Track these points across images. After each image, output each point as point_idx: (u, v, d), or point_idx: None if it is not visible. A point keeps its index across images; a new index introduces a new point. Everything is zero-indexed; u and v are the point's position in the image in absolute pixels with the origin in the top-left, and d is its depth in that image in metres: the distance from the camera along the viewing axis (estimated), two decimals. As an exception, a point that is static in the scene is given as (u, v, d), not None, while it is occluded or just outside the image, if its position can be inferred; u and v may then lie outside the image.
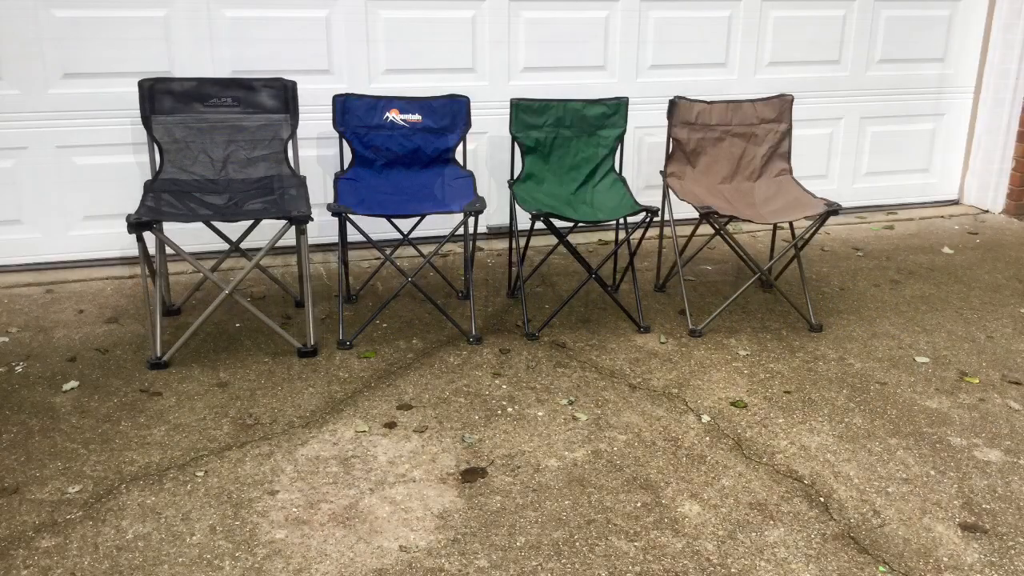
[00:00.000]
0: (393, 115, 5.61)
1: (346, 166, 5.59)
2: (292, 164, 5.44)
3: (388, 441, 4.16)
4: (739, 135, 5.85)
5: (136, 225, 4.59)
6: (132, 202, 6.00)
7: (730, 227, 7.19)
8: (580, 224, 5.37)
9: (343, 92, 5.55)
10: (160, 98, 5.27)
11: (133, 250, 6.14)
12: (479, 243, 6.86)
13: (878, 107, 7.74)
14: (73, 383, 4.65)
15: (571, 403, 4.54)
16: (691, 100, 5.76)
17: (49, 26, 5.77)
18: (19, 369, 4.81)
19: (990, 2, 7.72)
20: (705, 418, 4.41)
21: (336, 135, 5.61)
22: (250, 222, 5.48)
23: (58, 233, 6.14)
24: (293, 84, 5.43)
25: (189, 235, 6.14)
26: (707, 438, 4.23)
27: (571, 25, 6.74)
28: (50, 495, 3.74)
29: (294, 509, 3.68)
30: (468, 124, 5.67)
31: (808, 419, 4.42)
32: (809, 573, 3.40)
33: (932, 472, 4.01)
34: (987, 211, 8.04)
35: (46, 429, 4.22)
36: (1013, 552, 3.54)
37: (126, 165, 6.09)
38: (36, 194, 6.03)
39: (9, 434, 4.17)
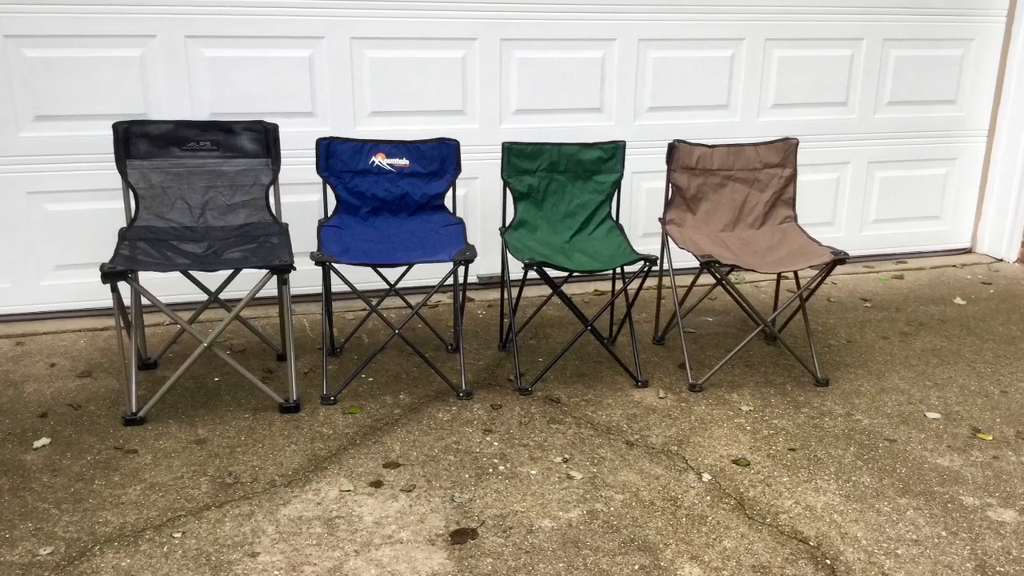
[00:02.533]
0: (379, 159, 5.65)
1: (330, 213, 5.64)
2: (273, 211, 5.48)
3: (374, 501, 4.20)
4: (741, 180, 5.92)
5: (110, 275, 4.62)
6: (106, 251, 6.05)
7: (732, 277, 7.24)
8: (575, 274, 5.42)
9: (327, 135, 5.61)
10: (135, 142, 5.30)
11: (107, 301, 6.18)
12: (469, 293, 6.91)
13: (887, 151, 7.82)
14: (44, 440, 4.68)
15: (566, 461, 4.57)
16: (691, 144, 5.82)
17: (20, 67, 5.84)
18: (-13, 425, 4.86)
19: (1004, 42, 7.82)
20: (706, 476, 4.45)
21: (320, 180, 5.66)
22: (230, 272, 5.48)
23: (29, 283, 6.19)
24: (275, 127, 5.47)
25: (166, 285, 6.18)
26: (708, 497, 4.27)
27: (566, 66, 6.82)
28: (20, 557, 3.77)
29: (276, 572, 3.71)
30: (458, 169, 5.73)
31: (814, 477, 4.46)
32: (814, 638, 3.44)
33: (944, 533, 4.05)
34: (1001, 260, 8.11)
35: (16, 488, 4.25)
36: (1027, 616, 3.58)
37: (100, 212, 6.14)
38: (5, 242, 6.08)
39: (-23, 493, 4.22)
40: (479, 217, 6.91)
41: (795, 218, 5.92)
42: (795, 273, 5.71)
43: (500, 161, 5.68)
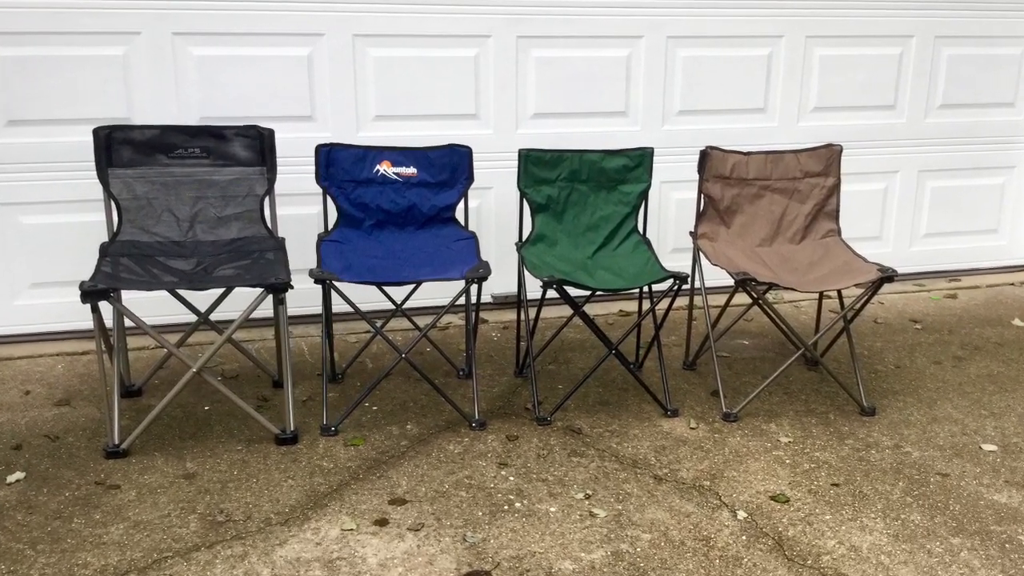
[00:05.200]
0: (384, 168, 5.67)
1: (331, 226, 5.67)
2: (269, 224, 5.51)
3: (379, 540, 4.21)
4: (780, 191, 5.93)
5: (91, 294, 4.64)
6: (86, 267, 6.04)
7: (770, 296, 7.24)
8: (598, 293, 5.43)
9: (327, 142, 5.64)
10: (118, 148, 5.32)
11: (87, 322, 6.17)
12: (483, 314, 6.91)
13: (939, 159, 7.82)
14: (19, 474, 4.70)
15: (588, 497, 4.58)
16: (725, 151, 5.84)
17: (-6, 67, 5.89)
18: (-43, 458, 4.88)
19: (1066, 38, 7.84)
20: (741, 514, 4.46)
21: (319, 191, 5.67)
22: (221, 290, 5.52)
23: (1, 303, 6.22)
24: (270, 132, 5.50)
25: (151, 305, 6.16)
26: (743, 537, 4.28)
27: (588, 65, 6.85)
28: (-7, 601, 3.80)
29: (272, 618, 3.73)
30: (470, 178, 5.75)
31: (859, 515, 4.46)
32: None
33: (1002, 576, 4.06)
34: (1065, 277, 8.12)
35: (-12, 526, 4.28)
36: (1094, 668, 3.58)
37: (79, 225, 6.17)
38: (-24, 258, 6.13)
39: (-54, 532, 4.23)
40: (493, 231, 6.93)
41: (839, 232, 5.93)
42: (839, 292, 5.71)
43: (516, 170, 5.68)
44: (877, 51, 7.44)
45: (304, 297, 6.44)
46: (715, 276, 6.14)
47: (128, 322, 5.16)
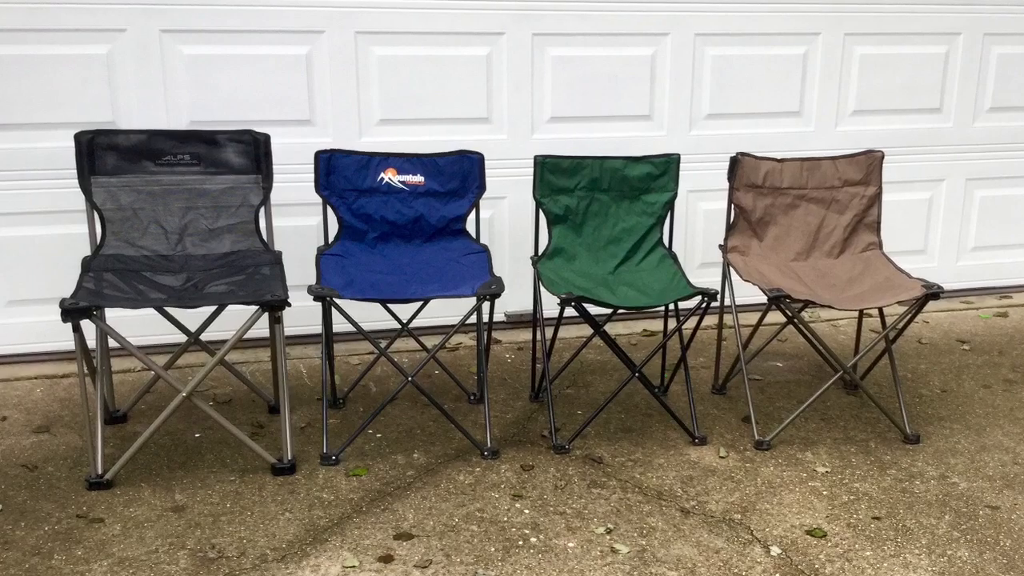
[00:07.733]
0: (389, 176, 5.68)
1: (331, 239, 5.68)
2: (264, 236, 5.52)
3: (383, 578, 4.22)
4: (817, 201, 5.93)
5: (72, 312, 4.66)
6: (67, 284, 6.06)
7: (806, 314, 7.24)
8: (620, 311, 5.43)
9: (328, 147, 5.65)
10: (102, 155, 5.32)
11: (68, 343, 6.17)
12: (496, 334, 6.91)
13: (988, 166, 7.81)
14: (-6, 506, 4.73)
15: (609, 532, 4.57)
16: (757, 157, 5.85)
17: (-33, 68, 5.91)
18: (-72, 489, 4.89)
19: None
20: (775, 550, 4.45)
21: (319, 200, 5.67)
22: (213, 308, 5.51)
23: (-25, 321, 6.24)
24: (266, 138, 5.51)
25: (137, 324, 6.17)
26: (777, 575, 4.28)
27: (609, 65, 6.85)
28: (-33, 644, 3.80)
29: (267, 662, 3.74)
30: (482, 187, 5.76)
31: (902, 551, 4.45)
32: None
33: (1058, 618, 4.05)
34: None
35: (-38, 563, 4.29)
36: None
37: (60, 238, 6.17)
38: (-51, 273, 6.14)
39: (-84, 569, 4.24)
40: (507, 244, 6.94)
41: (880, 245, 5.93)
42: (880, 310, 5.71)
43: (532, 178, 5.68)
44: (921, 50, 7.43)
45: (302, 315, 6.42)
46: (746, 293, 6.14)
47: (112, 342, 5.18)
